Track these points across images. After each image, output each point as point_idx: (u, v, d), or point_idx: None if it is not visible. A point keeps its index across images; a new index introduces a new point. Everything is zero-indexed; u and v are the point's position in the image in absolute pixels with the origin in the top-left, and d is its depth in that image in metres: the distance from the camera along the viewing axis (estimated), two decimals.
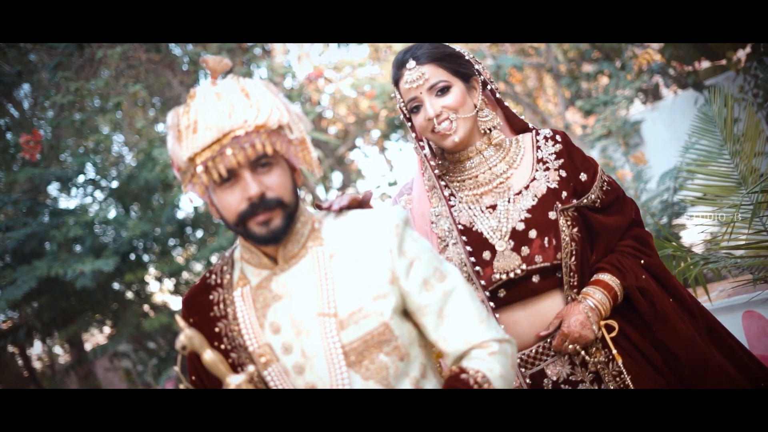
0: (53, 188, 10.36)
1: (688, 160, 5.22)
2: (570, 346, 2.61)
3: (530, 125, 2.91)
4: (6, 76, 9.26)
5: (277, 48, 11.12)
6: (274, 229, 2.07)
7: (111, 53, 8.01)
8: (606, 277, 2.64)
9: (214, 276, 2.25)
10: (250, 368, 2.03)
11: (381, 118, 11.33)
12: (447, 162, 2.86)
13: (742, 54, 6.42)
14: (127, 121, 10.29)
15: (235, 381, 2.00)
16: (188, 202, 11.10)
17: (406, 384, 2.14)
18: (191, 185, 2.07)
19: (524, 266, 2.64)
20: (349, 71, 11.00)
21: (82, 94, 7.98)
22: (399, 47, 10.60)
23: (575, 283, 2.65)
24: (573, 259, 2.64)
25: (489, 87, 2.84)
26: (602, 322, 2.62)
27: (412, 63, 2.70)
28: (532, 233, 2.65)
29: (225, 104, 2.00)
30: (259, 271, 2.20)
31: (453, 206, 2.80)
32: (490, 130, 2.80)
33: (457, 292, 2.16)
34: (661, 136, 9.13)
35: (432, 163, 2.84)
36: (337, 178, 12.63)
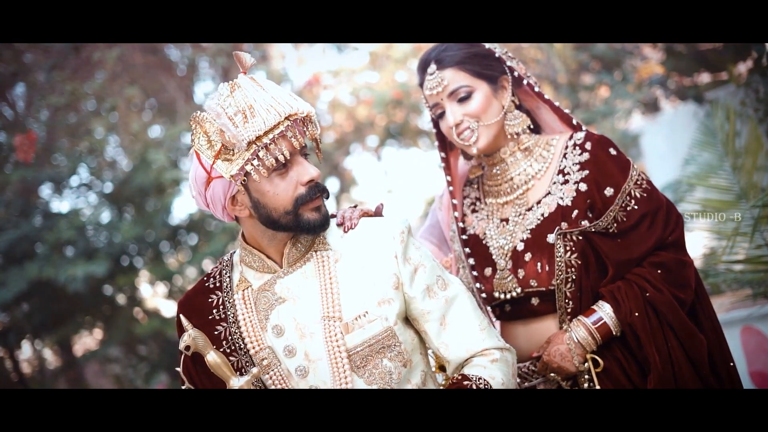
0: (46, 189, 10.30)
1: (688, 173, 5.21)
2: (551, 374, 2.54)
3: (574, 121, 2.70)
4: (0, 76, 9.21)
5: (274, 53, 11.09)
6: (324, 213, 2.15)
7: (108, 56, 7.97)
8: (601, 307, 2.48)
9: (212, 279, 2.27)
10: (254, 370, 2.04)
11: (378, 125, 11.31)
12: (484, 163, 2.77)
13: (743, 68, 6.40)
14: (121, 125, 10.25)
15: (237, 383, 1.98)
16: (182, 207, 11.08)
17: None
18: (239, 174, 2.05)
19: (519, 289, 2.57)
20: (347, 77, 10.98)
21: (78, 95, 7.93)
22: (397, 54, 10.59)
23: (570, 310, 2.52)
24: (570, 285, 2.50)
25: (525, 82, 2.66)
26: (589, 356, 2.49)
27: (432, 67, 2.61)
28: (528, 256, 2.56)
29: (273, 92, 2.06)
30: (260, 275, 2.21)
31: (477, 212, 2.74)
32: (518, 134, 2.65)
33: (459, 299, 2.22)
34: (659, 148, 9.13)
35: (448, 178, 2.78)
36: (333, 184, 12.59)
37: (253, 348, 2.14)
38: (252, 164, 2.03)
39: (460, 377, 2.14)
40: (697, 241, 5.42)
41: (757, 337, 4.58)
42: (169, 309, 10.97)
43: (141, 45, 8.42)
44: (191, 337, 1.98)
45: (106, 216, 10.17)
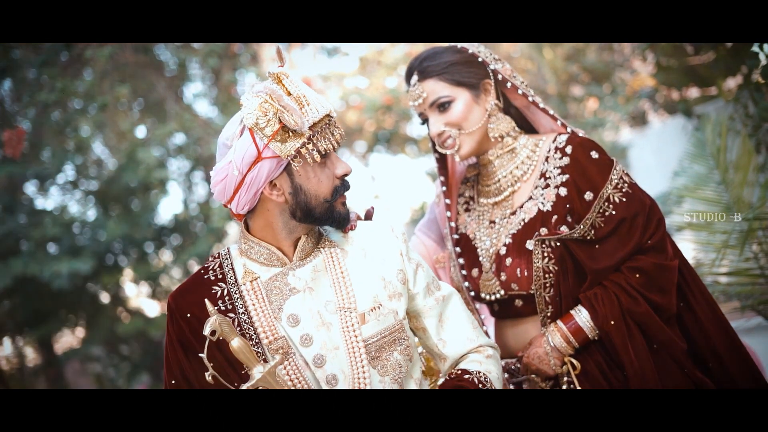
0: (31, 186, 10.23)
1: (678, 185, 5.25)
2: (532, 375, 2.58)
3: (558, 122, 2.69)
4: None
5: (266, 56, 11.07)
6: (348, 209, 2.24)
7: (99, 54, 7.93)
8: (578, 313, 2.50)
9: (212, 272, 2.26)
10: (278, 357, 2.02)
11: (367, 130, 11.30)
12: (478, 163, 2.79)
13: (732, 83, 6.44)
14: (110, 124, 10.20)
15: (262, 370, 1.95)
16: (168, 208, 11.04)
17: (412, 385, 2.25)
18: (293, 155, 2.09)
19: (502, 291, 2.61)
20: (337, 82, 10.98)
21: (68, 92, 7.88)
22: (388, 60, 10.60)
23: (550, 314, 2.55)
24: (549, 290, 2.53)
25: (509, 84, 2.66)
26: (567, 359, 2.52)
27: (414, 79, 2.65)
28: (508, 260, 2.58)
29: (313, 90, 2.15)
30: (267, 268, 2.22)
31: (469, 211, 2.77)
32: (501, 137, 2.67)
33: (453, 299, 2.35)
34: (647, 161, 9.17)
35: (442, 177, 2.81)
36: None
37: (267, 338, 2.14)
38: (307, 148, 2.09)
39: (460, 372, 2.23)
40: (685, 253, 5.45)
41: None
42: (152, 309, 10.93)
43: (132, 44, 8.37)
44: (217, 321, 1.93)
45: (91, 214, 10.14)
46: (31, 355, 11.74)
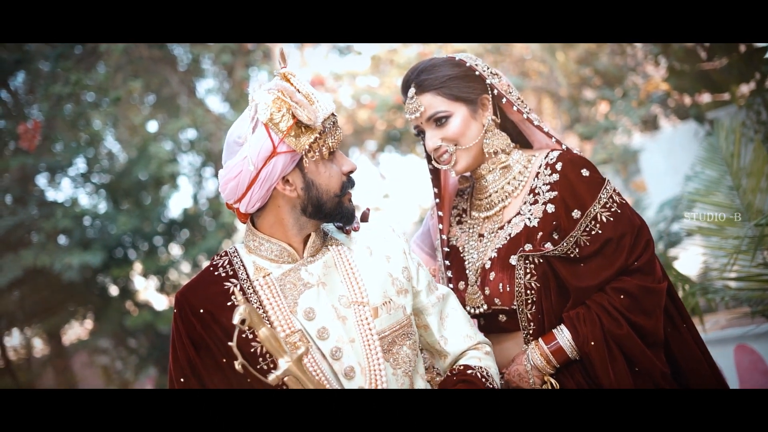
0: (42, 179, 10.28)
1: (690, 189, 5.24)
2: None
3: (553, 139, 2.67)
4: (3, 63, 9.17)
5: (278, 54, 11.10)
6: (355, 207, 2.27)
7: (113, 48, 7.99)
8: (560, 332, 2.47)
9: (222, 269, 2.25)
10: (303, 348, 2.01)
11: (378, 129, 11.32)
12: (472, 177, 2.78)
13: (745, 89, 6.45)
14: (122, 117, 10.24)
15: (288, 359, 1.94)
16: (178, 202, 11.05)
17: (419, 380, 2.29)
18: (307, 149, 2.14)
19: (486, 306, 2.58)
20: (349, 81, 11.00)
21: (82, 85, 7.93)
22: (401, 59, 10.61)
23: (532, 332, 2.51)
24: (531, 307, 2.50)
25: (504, 99, 2.61)
26: (547, 378, 2.49)
27: (411, 92, 2.59)
28: (492, 275, 2.56)
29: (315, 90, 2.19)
30: (278, 265, 2.23)
31: (461, 224, 2.76)
32: (495, 153, 2.63)
33: (451, 298, 2.44)
34: (658, 165, 9.14)
35: (435, 190, 2.80)
36: None
37: (284, 331, 2.13)
38: (318, 143, 2.13)
39: (462, 368, 2.30)
40: (695, 258, 5.46)
41: (750, 356, 4.60)
42: (160, 302, 10.96)
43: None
44: (247, 310, 1.89)
45: (102, 207, 10.18)
46: (39, 346, 11.79)
